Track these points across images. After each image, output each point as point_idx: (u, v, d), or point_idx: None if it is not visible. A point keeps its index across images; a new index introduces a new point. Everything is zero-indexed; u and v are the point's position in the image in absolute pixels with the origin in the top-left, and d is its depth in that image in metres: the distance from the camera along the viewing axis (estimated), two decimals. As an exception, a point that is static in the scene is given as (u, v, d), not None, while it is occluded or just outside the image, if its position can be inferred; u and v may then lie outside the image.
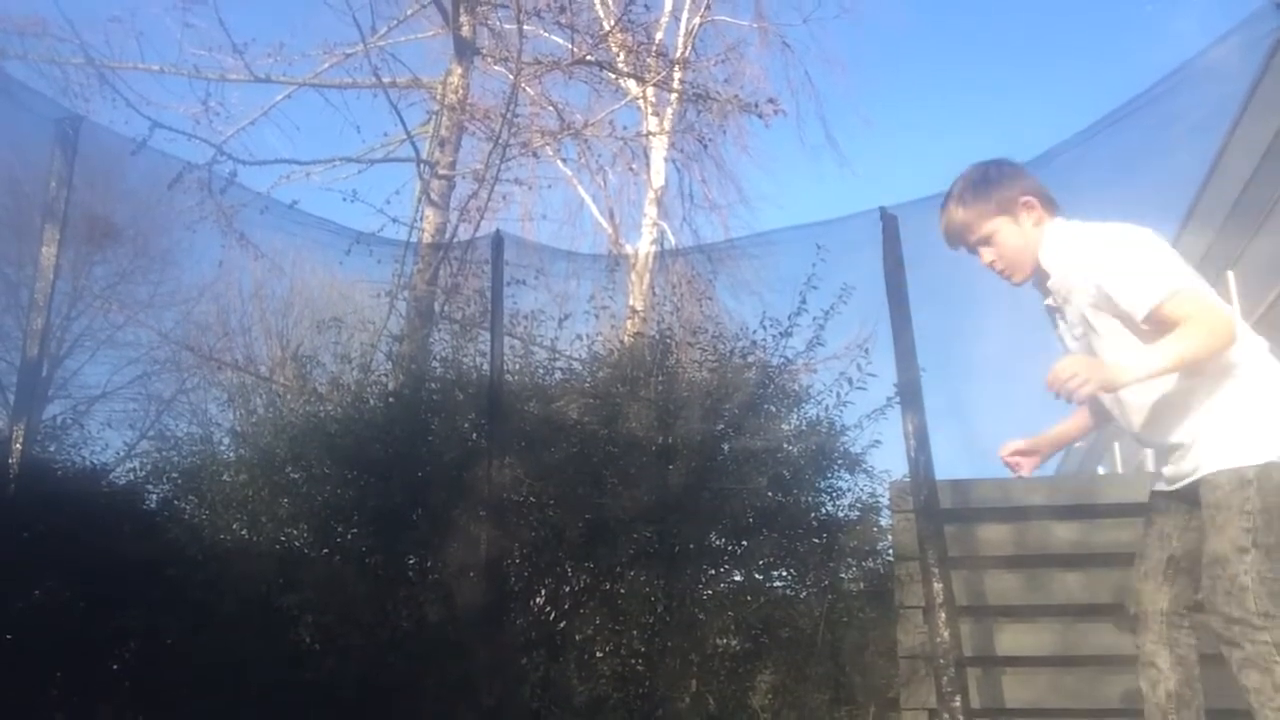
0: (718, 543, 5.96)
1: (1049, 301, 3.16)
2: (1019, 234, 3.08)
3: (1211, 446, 2.85)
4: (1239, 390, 2.86)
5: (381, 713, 5.14)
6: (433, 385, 6.24)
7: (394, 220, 8.46)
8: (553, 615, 5.85)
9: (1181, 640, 3.00)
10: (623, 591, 5.82)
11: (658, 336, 6.45)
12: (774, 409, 6.18)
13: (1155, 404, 2.96)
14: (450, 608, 5.39)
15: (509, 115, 8.51)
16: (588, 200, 15.45)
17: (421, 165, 8.97)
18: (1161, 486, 3.10)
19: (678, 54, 13.46)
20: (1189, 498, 2.96)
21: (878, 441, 5.99)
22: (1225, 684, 2.81)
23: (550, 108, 11.56)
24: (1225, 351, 2.81)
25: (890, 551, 5.49)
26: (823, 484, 6.04)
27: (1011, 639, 4.76)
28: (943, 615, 4.63)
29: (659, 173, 14.87)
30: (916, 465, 4.97)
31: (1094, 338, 3.02)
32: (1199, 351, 2.77)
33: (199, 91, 8.94)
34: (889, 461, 5.96)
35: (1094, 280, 2.92)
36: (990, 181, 3.11)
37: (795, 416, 6.24)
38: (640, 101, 13.78)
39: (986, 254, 3.14)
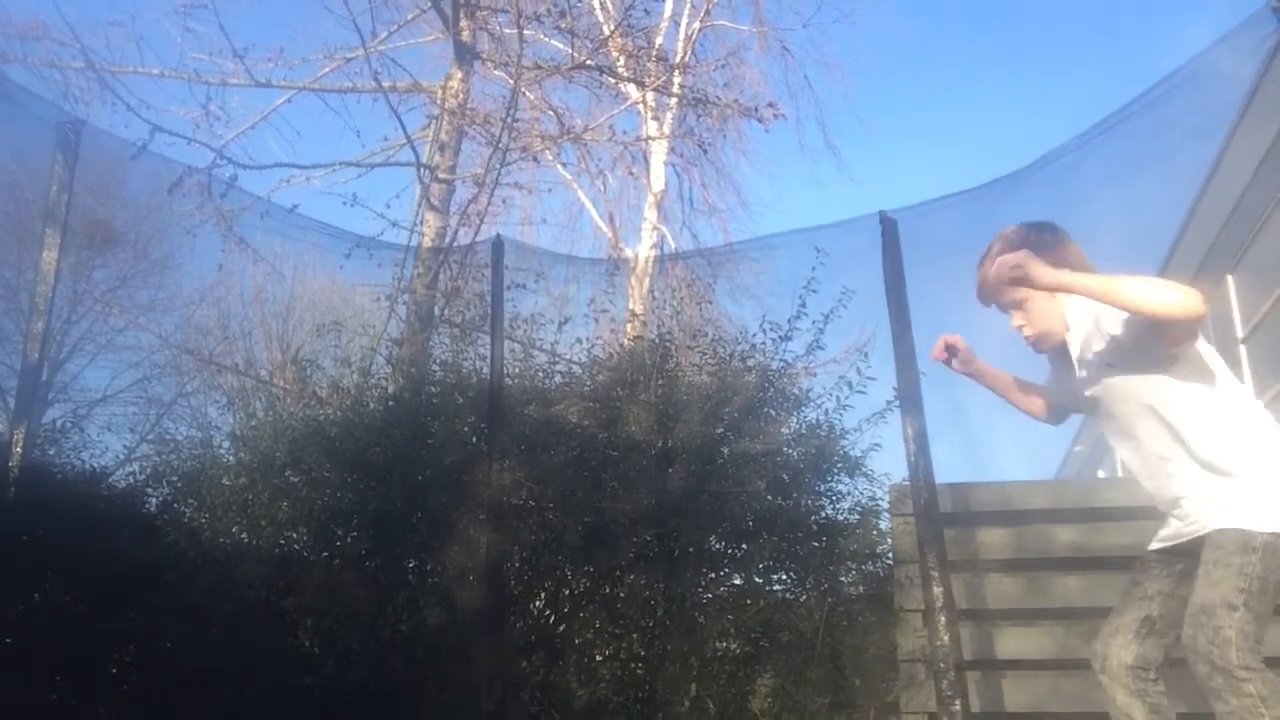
0: (717, 546, 5.97)
1: (1080, 373, 3.14)
2: (1052, 305, 3.07)
3: (1220, 506, 2.84)
4: (1252, 456, 2.85)
5: (381, 716, 5.14)
6: (432, 389, 6.25)
7: (394, 224, 8.48)
8: (552, 618, 5.85)
9: (1152, 691, 2.99)
10: (622, 595, 5.83)
11: (657, 340, 6.45)
12: (774, 412, 6.18)
13: (1165, 459, 2.96)
14: (450, 611, 5.39)
15: (509, 120, 8.51)
16: (587, 204, 15.48)
17: (421, 169, 8.98)
18: (1158, 545, 3.10)
19: (677, 59, 13.48)
20: (1184, 555, 2.96)
21: (877, 445, 6.00)
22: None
23: (550, 112, 11.57)
24: (1180, 319, 2.74)
25: (890, 555, 5.48)
26: (822, 487, 6.04)
27: (1011, 642, 4.75)
28: (942, 619, 4.63)
29: (659, 177, 14.89)
30: (916, 469, 4.97)
31: (1110, 376, 3.01)
32: (1153, 296, 2.72)
33: (199, 96, 8.95)
34: (889, 465, 5.97)
35: (1094, 311, 2.94)
36: (1040, 243, 3.05)
37: (795, 420, 6.25)
38: (640, 106, 13.80)
39: (1016, 318, 3.13)
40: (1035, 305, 3.08)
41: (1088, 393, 3.11)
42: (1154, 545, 3.12)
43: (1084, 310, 2.99)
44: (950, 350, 3.40)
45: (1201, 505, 2.90)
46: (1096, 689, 3.11)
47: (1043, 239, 3.08)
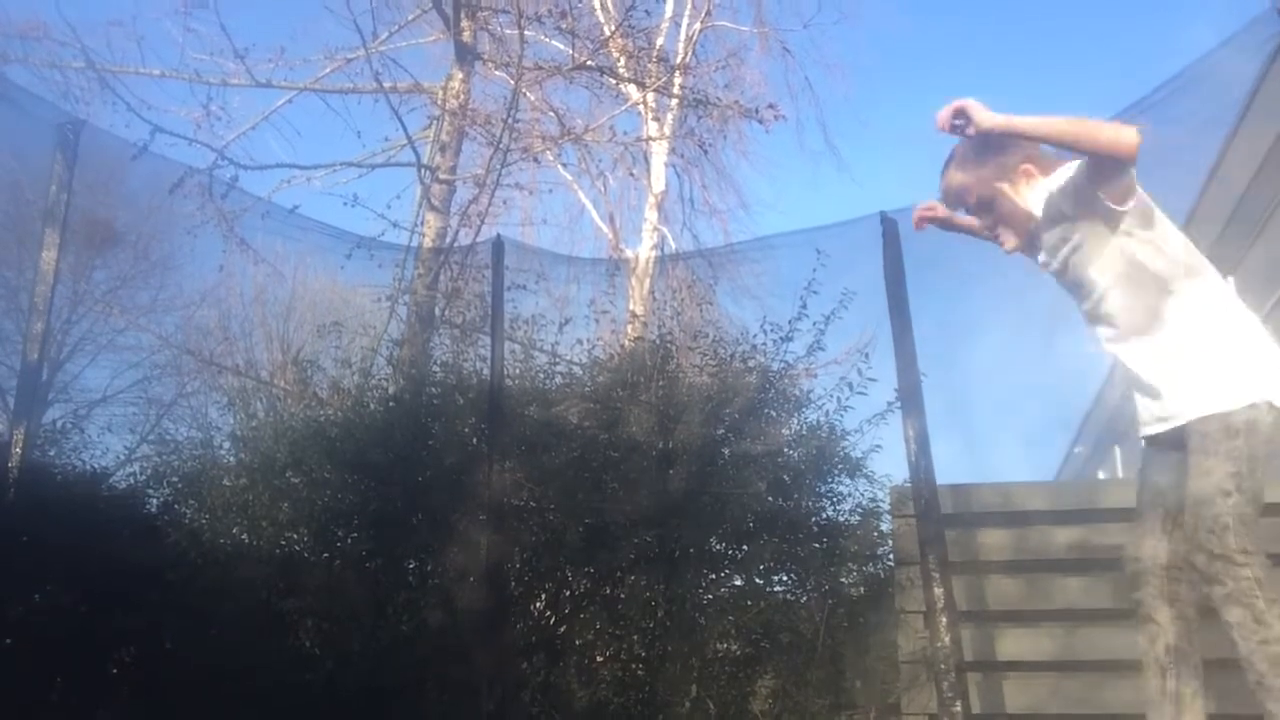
0: (718, 547, 5.96)
1: (1041, 259, 3.20)
2: (1016, 200, 3.12)
3: (1194, 391, 2.90)
4: (1214, 333, 2.92)
5: (382, 717, 5.13)
6: (433, 390, 6.25)
7: (395, 225, 8.48)
8: (553, 620, 5.84)
9: (1182, 594, 3.03)
10: (623, 596, 5.82)
11: (658, 341, 6.45)
12: (774, 413, 6.18)
13: (1133, 343, 3.02)
14: (450, 612, 5.39)
15: (510, 120, 8.51)
16: (588, 205, 15.47)
17: (422, 170, 8.98)
18: (1148, 430, 3.13)
19: (678, 59, 13.48)
20: (1176, 444, 2.99)
21: (878, 446, 6.00)
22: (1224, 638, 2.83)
23: (551, 113, 11.57)
24: (1119, 158, 2.81)
25: (891, 556, 5.48)
26: (823, 488, 6.04)
27: (1012, 644, 4.75)
28: (943, 620, 4.62)
29: (659, 178, 14.88)
30: (917, 470, 4.97)
31: (1077, 258, 3.07)
32: (1090, 130, 2.81)
33: (200, 96, 8.95)
34: (889, 466, 5.96)
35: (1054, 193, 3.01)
36: (990, 147, 3.12)
37: (796, 421, 6.25)
38: (641, 107, 13.78)
39: (983, 218, 3.21)
40: (1000, 205, 3.13)
41: (1055, 273, 3.18)
42: (1143, 430, 3.15)
43: (1041, 195, 3.06)
44: (926, 220, 3.45)
45: (1177, 394, 2.96)
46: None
47: (1004, 138, 3.12)
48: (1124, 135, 2.78)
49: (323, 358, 6.90)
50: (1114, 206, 2.90)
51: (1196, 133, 5.84)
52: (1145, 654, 3.10)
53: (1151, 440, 3.14)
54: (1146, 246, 2.95)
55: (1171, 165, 5.80)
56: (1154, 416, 3.07)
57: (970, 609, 4.79)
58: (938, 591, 4.66)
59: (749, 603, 5.89)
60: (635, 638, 5.77)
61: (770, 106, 10.39)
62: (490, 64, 10.57)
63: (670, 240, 15.09)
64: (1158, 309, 2.96)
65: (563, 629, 5.79)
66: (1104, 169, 2.85)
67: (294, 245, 8.61)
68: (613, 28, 11.35)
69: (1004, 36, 32.32)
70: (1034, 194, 3.10)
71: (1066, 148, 2.90)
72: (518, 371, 6.26)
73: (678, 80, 12.52)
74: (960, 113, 2.94)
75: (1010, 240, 3.20)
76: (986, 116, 2.92)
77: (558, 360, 6.53)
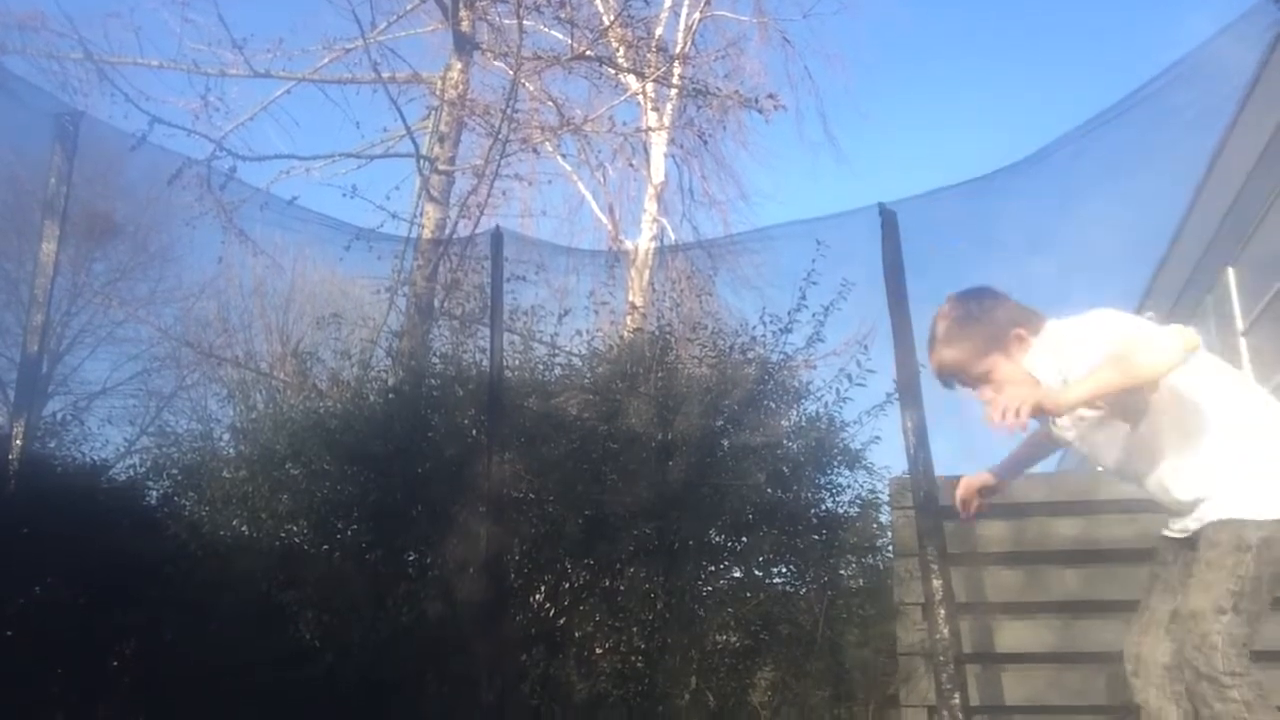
0: (717, 539, 5.97)
1: (1053, 425, 3.09)
2: (1017, 368, 2.98)
3: (1215, 500, 2.80)
4: (1250, 445, 2.80)
5: (381, 709, 5.15)
6: (432, 381, 6.25)
7: (394, 216, 8.47)
8: (552, 611, 5.85)
9: (1184, 694, 2.89)
10: (622, 588, 5.83)
11: (657, 332, 6.45)
12: (774, 405, 6.18)
13: (1161, 459, 2.90)
14: (450, 604, 5.39)
15: (509, 110, 8.51)
16: (587, 196, 15.45)
17: (421, 161, 8.97)
18: (1169, 533, 3.06)
19: (677, 49, 13.46)
20: (1195, 546, 2.90)
21: (877, 438, 6.01)
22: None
23: (550, 103, 11.55)
24: (1170, 370, 2.70)
25: (890, 548, 5.49)
26: (822, 480, 6.04)
27: (1011, 635, 4.75)
28: (942, 612, 4.62)
29: (659, 168, 14.87)
30: (916, 461, 4.97)
31: (1086, 428, 2.99)
32: (1138, 369, 2.68)
33: (198, 87, 8.95)
34: (889, 458, 5.98)
35: (1059, 365, 2.88)
36: (974, 319, 3.01)
37: (795, 412, 6.25)
38: (640, 97, 13.76)
39: (985, 392, 3.02)
40: (1002, 376, 2.98)
41: (1070, 438, 3.09)
42: (1165, 533, 3.09)
43: (1050, 365, 2.92)
44: (969, 504, 3.37)
45: (1197, 497, 2.86)
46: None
47: (982, 307, 3.03)
48: (1188, 346, 2.67)
49: (322, 349, 6.91)
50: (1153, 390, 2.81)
51: (1195, 122, 5.82)
52: None
53: (1174, 541, 3.05)
54: (1168, 400, 2.84)
55: (1170, 156, 5.80)
56: (1179, 524, 2.98)
57: (969, 601, 4.79)
58: (936, 583, 4.66)
59: (748, 594, 5.90)
60: (635, 629, 5.78)
61: (770, 96, 10.37)
62: (489, 54, 10.56)
63: (670, 231, 15.10)
64: (1183, 441, 2.86)
65: (562, 621, 5.80)
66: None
67: (293, 236, 8.63)
68: (612, 17, 11.34)
69: (1004, 27, 32.30)
70: (1031, 357, 2.98)
71: (1141, 385, 2.76)
72: (517, 363, 6.26)
73: (677, 70, 12.50)
74: (1038, 411, 2.72)
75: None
76: (1060, 401, 2.73)
77: (557, 352, 6.53)
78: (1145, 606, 3.09)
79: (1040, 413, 2.74)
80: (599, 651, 5.86)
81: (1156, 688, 2.96)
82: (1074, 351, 2.84)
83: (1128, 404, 2.86)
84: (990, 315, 3.00)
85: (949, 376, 3.11)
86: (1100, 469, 3.14)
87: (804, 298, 6.11)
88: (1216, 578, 2.71)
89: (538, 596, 5.93)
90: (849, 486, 6.06)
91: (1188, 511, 2.92)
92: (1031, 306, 3.06)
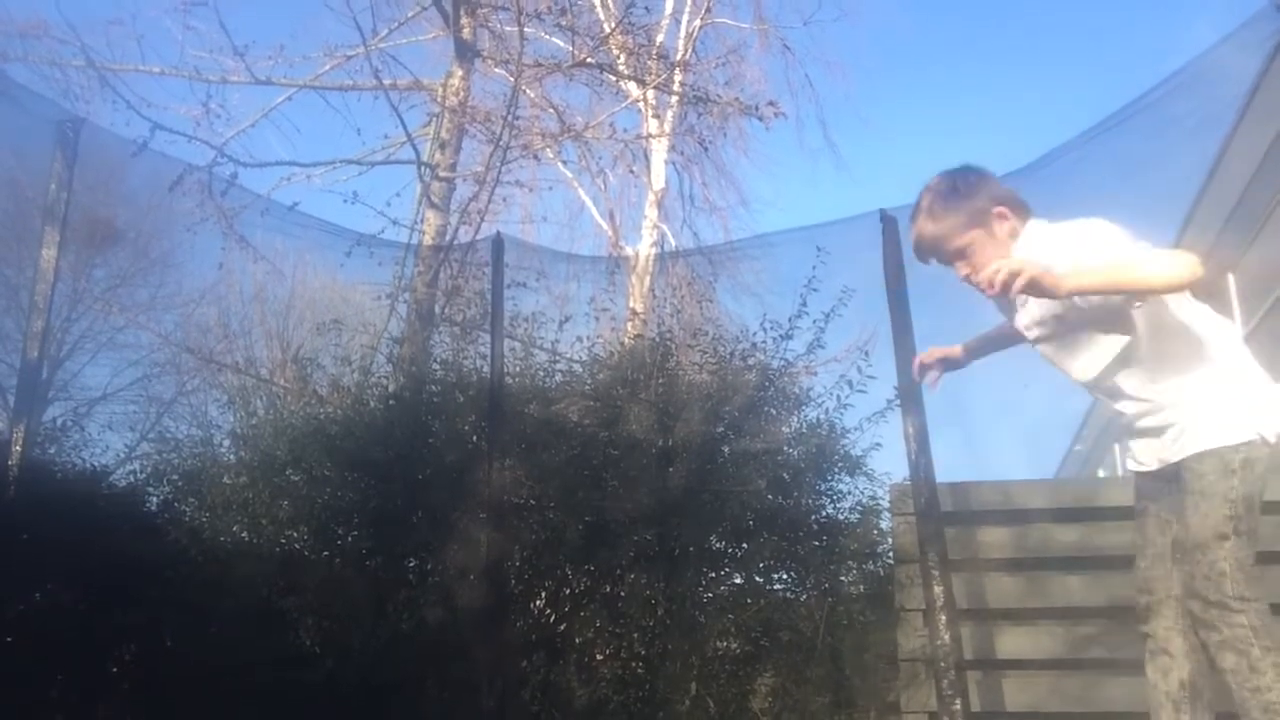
0: (718, 545, 5.96)
1: (1022, 321, 3.13)
2: (994, 245, 2.99)
3: (1191, 430, 2.85)
4: (1213, 371, 2.86)
5: (381, 714, 5.14)
6: (433, 387, 6.25)
7: (394, 222, 8.48)
8: (553, 618, 5.85)
9: (1193, 625, 2.92)
10: (623, 594, 5.82)
11: (658, 339, 6.45)
12: (774, 411, 6.18)
13: (1129, 380, 2.96)
14: (450, 610, 5.39)
15: (509, 117, 8.51)
16: (588, 202, 15.46)
17: (422, 167, 8.97)
18: (1140, 468, 3.09)
19: (678, 56, 13.47)
20: (1172, 478, 2.95)
21: (878, 444, 6.01)
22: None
23: (551, 110, 11.55)
24: (1176, 287, 2.73)
25: (890, 554, 5.48)
26: (823, 486, 6.04)
27: (1012, 642, 4.75)
28: (943, 618, 4.62)
29: (659, 175, 14.88)
30: (917, 468, 4.96)
31: (1063, 335, 3.02)
32: (1148, 276, 2.70)
33: (199, 94, 8.94)
34: (889, 464, 5.96)
35: (1057, 263, 2.85)
36: (959, 193, 3.03)
37: (795, 419, 6.25)
38: (640, 104, 13.78)
39: (962, 268, 3.06)
40: (978, 251, 3.00)
41: (1039, 339, 3.12)
42: (1135, 468, 3.11)
43: (1037, 260, 2.87)
44: (926, 369, 3.41)
45: (1170, 431, 2.91)
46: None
47: (968, 183, 3.06)
48: (1194, 273, 2.68)
49: (322, 355, 6.90)
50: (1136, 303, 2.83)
51: (1195, 130, 5.83)
52: (1155, 689, 3.01)
53: (1144, 474, 3.10)
54: (1147, 316, 2.87)
55: (1170, 163, 5.80)
56: (1150, 455, 3.02)
57: (970, 607, 4.79)
58: (937, 589, 4.66)
59: (749, 601, 5.89)
60: (635, 636, 5.77)
61: (770, 104, 10.40)
62: (490, 61, 10.57)
63: (670, 238, 15.11)
64: (1155, 368, 2.90)
65: (563, 627, 5.79)
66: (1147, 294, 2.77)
67: (293, 243, 8.64)
68: (612, 25, 11.34)
69: (1004, 34, 32.34)
70: (1018, 249, 2.98)
71: (1139, 292, 2.77)
72: (518, 369, 6.26)
73: (678, 77, 12.52)
74: (1029, 282, 2.69)
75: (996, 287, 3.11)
76: (1059, 283, 2.72)
77: (558, 358, 6.53)
78: (1147, 541, 3.12)
79: (1037, 286, 2.72)
80: (599, 657, 5.85)
81: (1168, 618, 2.99)
82: (1072, 250, 2.84)
83: (1109, 315, 2.88)
84: (974, 190, 3.03)
85: (927, 251, 3.13)
86: (1072, 375, 3.13)
87: (805, 304, 6.12)
88: (1211, 506, 2.77)
89: (538, 602, 5.92)
90: (850, 493, 6.06)
91: (1158, 435, 2.96)
92: (1020, 197, 3.09)
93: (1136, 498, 3.18)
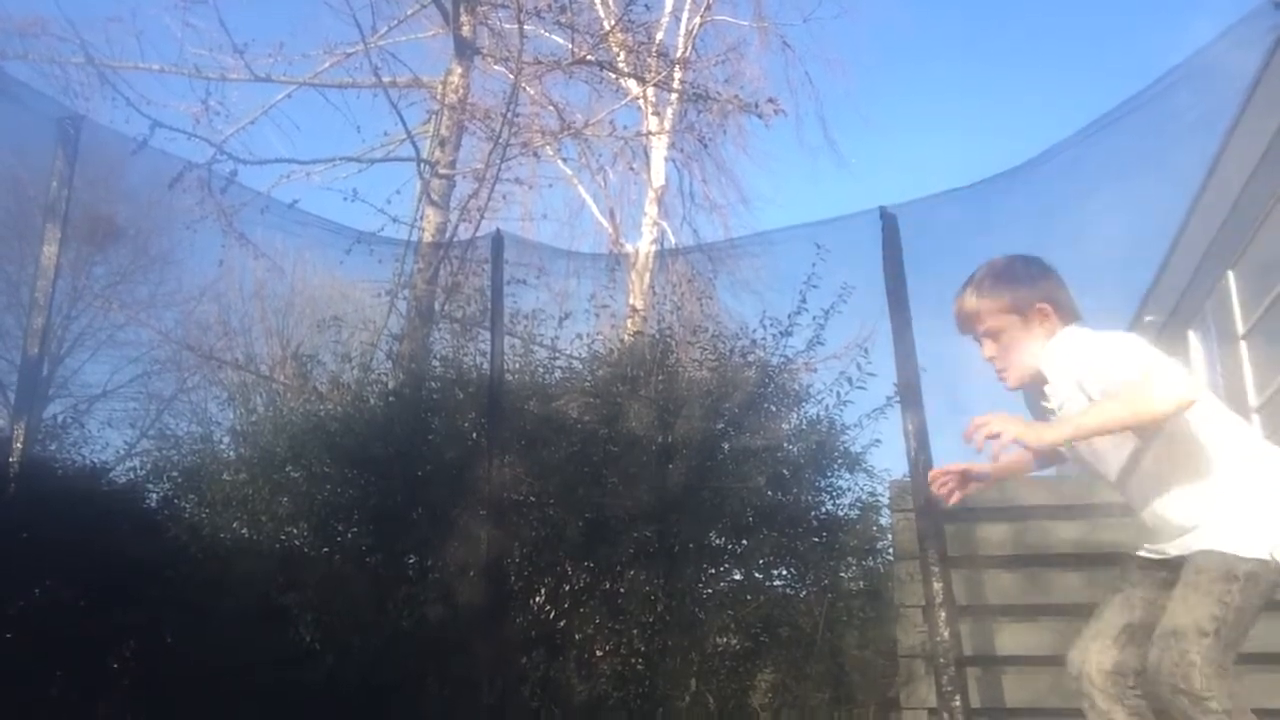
0: (718, 541, 5.97)
1: (1045, 404, 3.06)
2: (1026, 338, 2.98)
3: (1206, 529, 2.79)
4: (1247, 484, 2.80)
5: (382, 711, 5.14)
6: (433, 384, 6.25)
7: (394, 220, 8.47)
8: (553, 614, 5.85)
9: (1130, 696, 2.91)
10: (623, 590, 5.83)
11: (658, 335, 6.46)
12: (774, 408, 6.19)
13: (1161, 484, 2.90)
14: (450, 606, 5.40)
15: (509, 115, 8.51)
16: (588, 200, 15.46)
17: (422, 165, 8.97)
18: (1144, 553, 3.07)
19: (678, 54, 13.45)
20: (1168, 567, 2.90)
21: (877, 441, 6.02)
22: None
23: (550, 107, 11.55)
24: (1174, 413, 2.70)
25: (890, 550, 5.48)
26: (822, 483, 6.05)
27: (1011, 638, 4.75)
28: (943, 614, 4.62)
29: (659, 172, 14.88)
30: (917, 464, 4.97)
31: (1083, 445, 2.98)
32: (1136, 410, 2.70)
33: (199, 91, 8.92)
34: (888, 460, 5.98)
35: (1076, 376, 2.86)
36: (1013, 278, 3.01)
37: (795, 415, 6.26)
38: (640, 101, 13.78)
39: (989, 348, 3.03)
40: (1008, 338, 2.99)
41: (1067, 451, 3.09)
42: (1142, 552, 3.09)
43: (1064, 369, 2.91)
44: (956, 481, 3.35)
45: (1187, 526, 2.85)
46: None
47: (1028, 273, 3.03)
48: (1186, 396, 2.67)
49: (322, 352, 6.91)
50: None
51: (1195, 125, 5.82)
52: None
53: (1146, 562, 3.04)
54: (1186, 440, 2.82)
55: (1170, 160, 5.80)
56: (1160, 549, 2.97)
57: (969, 603, 4.79)
58: (937, 586, 4.66)
59: (748, 597, 5.90)
60: (635, 632, 5.78)
61: (770, 101, 10.39)
62: (490, 58, 10.56)
63: (670, 235, 15.10)
64: (1183, 469, 2.85)
65: (562, 623, 5.80)
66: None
67: (293, 240, 8.64)
68: (612, 22, 11.34)
69: (1004, 31, 32.26)
70: (1047, 353, 2.96)
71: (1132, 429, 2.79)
72: (517, 366, 6.26)
73: (677, 75, 12.51)
74: (1016, 440, 2.71)
75: (1013, 378, 3.05)
76: (1041, 439, 2.76)
77: (557, 355, 6.54)
78: (1098, 616, 3.07)
79: (1019, 441, 2.73)
80: (599, 654, 5.85)
81: (1101, 691, 2.95)
82: (1098, 367, 2.82)
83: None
84: (1031, 281, 3.00)
85: (964, 322, 3.10)
86: (1098, 477, 3.12)
87: (804, 301, 6.13)
88: (1201, 601, 2.70)
89: (538, 599, 5.93)
90: (849, 489, 6.08)
91: (1172, 536, 2.91)
92: (1075, 303, 3.04)
93: (1120, 576, 3.14)
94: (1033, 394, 3.09)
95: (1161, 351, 2.83)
